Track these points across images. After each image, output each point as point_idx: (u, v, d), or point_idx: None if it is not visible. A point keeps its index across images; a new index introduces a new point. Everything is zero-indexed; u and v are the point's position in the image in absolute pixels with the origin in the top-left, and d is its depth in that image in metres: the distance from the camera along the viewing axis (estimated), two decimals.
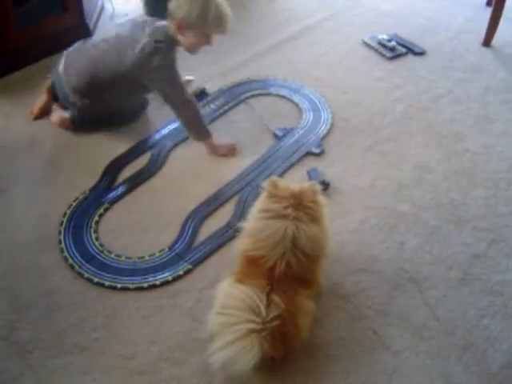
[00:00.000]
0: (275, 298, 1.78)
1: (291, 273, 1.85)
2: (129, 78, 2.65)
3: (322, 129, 2.92)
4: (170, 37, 2.61)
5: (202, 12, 2.52)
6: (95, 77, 2.66)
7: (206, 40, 2.66)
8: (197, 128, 2.72)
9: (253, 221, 1.96)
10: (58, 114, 2.87)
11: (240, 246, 1.99)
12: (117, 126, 2.90)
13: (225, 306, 1.83)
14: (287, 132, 2.89)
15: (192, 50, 2.70)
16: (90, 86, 2.68)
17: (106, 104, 2.79)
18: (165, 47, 2.58)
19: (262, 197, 1.96)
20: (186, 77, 3.11)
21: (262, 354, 1.74)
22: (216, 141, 2.76)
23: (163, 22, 2.66)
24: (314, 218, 1.90)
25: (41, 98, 2.92)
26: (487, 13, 3.58)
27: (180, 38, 2.60)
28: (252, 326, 1.73)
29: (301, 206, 1.87)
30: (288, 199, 1.88)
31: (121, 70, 2.62)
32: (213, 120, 2.98)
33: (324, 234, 1.95)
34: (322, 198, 1.95)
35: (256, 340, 1.72)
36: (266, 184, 1.93)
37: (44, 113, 2.93)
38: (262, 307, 1.76)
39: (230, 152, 2.78)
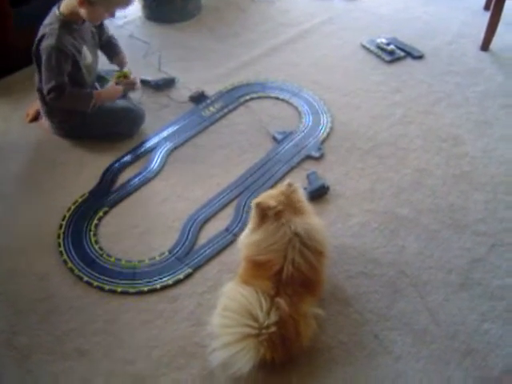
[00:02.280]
0: (280, 301, 1.79)
1: (298, 275, 1.85)
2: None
3: (322, 132, 2.92)
4: (57, 17, 2.59)
5: None
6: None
7: (109, 14, 2.65)
8: (80, 102, 2.70)
9: (252, 233, 1.96)
10: (46, 122, 2.87)
11: (243, 253, 2.00)
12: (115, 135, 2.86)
13: (225, 308, 1.85)
14: (287, 135, 2.89)
15: (95, 21, 2.70)
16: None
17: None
18: (49, 30, 2.58)
19: (254, 216, 1.97)
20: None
21: (261, 358, 1.74)
22: (100, 93, 2.76)
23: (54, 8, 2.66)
24: (307, 212, 1.96)
25: (36, 101, 2.90)
26: (485, 17, 3.58)
27: (82, 11, 2.55)
28: (248, 330, 1.75)
29: (291, 207, 1.92)
30: (277, 206, 1.90)
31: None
32: (212, 123, 2.98)
33: (321, 225, 2.01)
34: (302, 194, 2.02)
35: (252, 344, 1.74)
36: (253, 210, 1.95)
37: (40, 116, 2.92)
38: (260, 313, 1.76)
39: (117, 91, 2.82)
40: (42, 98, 2.72)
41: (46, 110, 2.78)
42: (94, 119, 2.76)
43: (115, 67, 2.97)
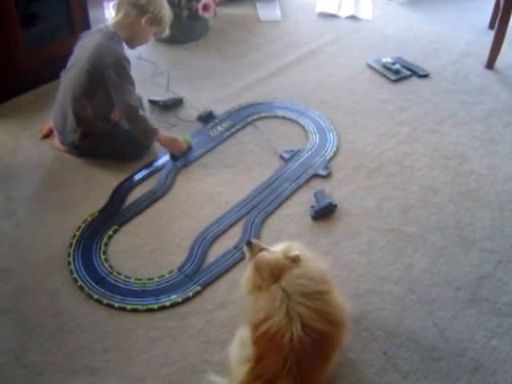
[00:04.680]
0: None
1: (309, 338, 1.68)
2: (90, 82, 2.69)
3: (329, 151, 2.94)
4: (111, 33, 2.70)
5: (167, 10, 2.76)
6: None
7: (150, 37, 2.83)
8: (142, 130, 2.78)
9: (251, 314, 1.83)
10: (57, 141, 2.91)
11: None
12: (121, 158, 2.89)
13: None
14: (294, 154, 2.92)
15: (139, 43, 2.84)
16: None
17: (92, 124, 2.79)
18: (113, 44, 2.68)
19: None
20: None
21: None
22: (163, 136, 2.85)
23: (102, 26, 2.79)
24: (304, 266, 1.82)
25: (49, 121, 2.94)
26: (490, 36, 3.62)
27: (132, 31, 2.72)
28: None
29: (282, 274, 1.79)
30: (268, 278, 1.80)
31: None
32: (220, 142, 3.01)
33: (318, 266, 1.87)
34: (299, 252, 1.84)
35: None
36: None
37: (52, 134, 2.96)
38: None
39: (177, 148, 2.89)
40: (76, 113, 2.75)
41: (76, 122, 2.75)
42: (105, 138, 2.81)
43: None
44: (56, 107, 2.84)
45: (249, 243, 1.93)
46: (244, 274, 1.91)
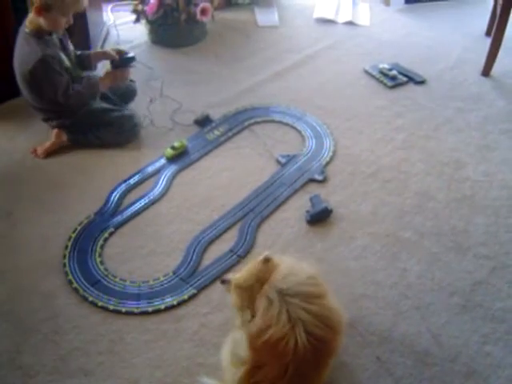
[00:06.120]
0: None
1: (311, 345, 1.65)
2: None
3: (325, 156, 2.95)
4: (28, 35, 2.74)
5: None
6: None
7: (66, 19, 2.75)
8: (89, 93, 2.91)
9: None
10: (43, 147, 2.96)
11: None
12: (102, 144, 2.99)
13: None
14: (290, 159, 2.92)
15: (56, 28, 2.78)
16: None
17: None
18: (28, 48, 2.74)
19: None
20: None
21: None
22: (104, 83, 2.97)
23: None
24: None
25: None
26: (486, 43, 3.63)
27: (41, 21, 2.69)
28: None
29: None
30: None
31: None
32: (216, 146, 3.02)
33: (304, 269, 1.82)
34: (276, 261, 1.82)
35: None
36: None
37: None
38: None
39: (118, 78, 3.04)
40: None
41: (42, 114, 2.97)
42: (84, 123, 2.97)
43: None
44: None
45: (223, 281, 1.92)
46: (231, 301, 1.88)
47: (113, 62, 3.04)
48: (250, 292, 1.78)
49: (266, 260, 1.79)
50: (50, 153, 2.94)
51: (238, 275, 1.85)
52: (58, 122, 2.96)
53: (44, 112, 2.96)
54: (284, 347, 1.63)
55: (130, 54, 3.09)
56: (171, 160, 2.90)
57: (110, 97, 3.09)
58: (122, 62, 3.05)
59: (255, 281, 1.77)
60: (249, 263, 1.88)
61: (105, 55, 3.07)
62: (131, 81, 3.19)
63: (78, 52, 3.06)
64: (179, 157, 2.92)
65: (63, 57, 2.84)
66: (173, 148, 2.92)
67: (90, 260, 2.38)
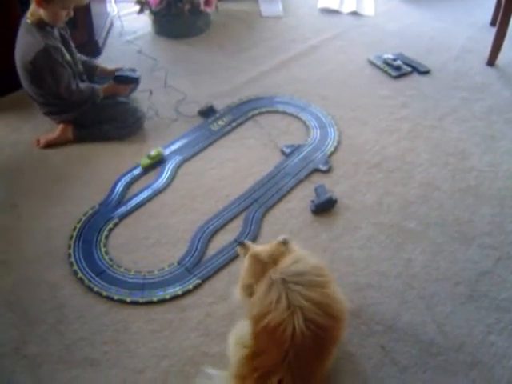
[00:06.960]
0: None
1: (310, 332, 1.65)
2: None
3: (329, 146, 2.95)
4: (30, 26, 2.73)
5: None
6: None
7: (66, 12, 2.74)
8: (90, 97, 2.93)
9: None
10: (46, 138, 2.96)
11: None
12: (112, 133, 2.99)
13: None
14: (295, 149, 2.92)
15: (56, 20, 2.75)
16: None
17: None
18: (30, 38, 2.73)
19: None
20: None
21: None
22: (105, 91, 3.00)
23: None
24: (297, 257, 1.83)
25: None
26: (491, 32, 3.62)
27: (42, 13, 2.68)
28: None
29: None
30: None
31: None
32: (221, 137, 3.02)
33: (312, 259, 1.84)
34: (292, 246, 1.88)
35: None
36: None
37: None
38: None
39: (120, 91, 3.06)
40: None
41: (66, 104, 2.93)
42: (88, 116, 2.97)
43: None
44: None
45: (242, 243, 1.95)
46: (241, 269, 1.92)
47: (117, 77, 3.04)
48: (261, 266, 1.81)
49: (284, 242, 1.85)
50: (53, 146, 2.94)
51: (257, 246, 1.91)
52: (61, 117, 2.96)
53: (44, 106, 2.95)
54: (282, 333, 1.64)
55: (136, 74, 3.13)
56: (146, 169, 2.81)
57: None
58: (126, 78, 3.08)
59: (269, 257, 1.81)
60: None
61: (111, 74, 3.09)
62: (132, 69, 3.18)
63: (84, 58, 3.07)
64: (154, 166, 2.83)
65: (64, 50, 2.83)
66: (149, 157, 2.83)
67: (95, 250, 2.38)
